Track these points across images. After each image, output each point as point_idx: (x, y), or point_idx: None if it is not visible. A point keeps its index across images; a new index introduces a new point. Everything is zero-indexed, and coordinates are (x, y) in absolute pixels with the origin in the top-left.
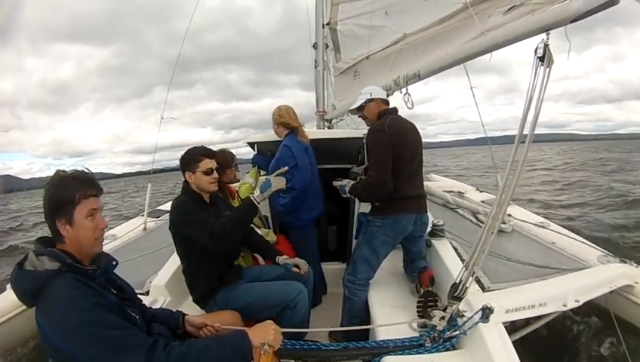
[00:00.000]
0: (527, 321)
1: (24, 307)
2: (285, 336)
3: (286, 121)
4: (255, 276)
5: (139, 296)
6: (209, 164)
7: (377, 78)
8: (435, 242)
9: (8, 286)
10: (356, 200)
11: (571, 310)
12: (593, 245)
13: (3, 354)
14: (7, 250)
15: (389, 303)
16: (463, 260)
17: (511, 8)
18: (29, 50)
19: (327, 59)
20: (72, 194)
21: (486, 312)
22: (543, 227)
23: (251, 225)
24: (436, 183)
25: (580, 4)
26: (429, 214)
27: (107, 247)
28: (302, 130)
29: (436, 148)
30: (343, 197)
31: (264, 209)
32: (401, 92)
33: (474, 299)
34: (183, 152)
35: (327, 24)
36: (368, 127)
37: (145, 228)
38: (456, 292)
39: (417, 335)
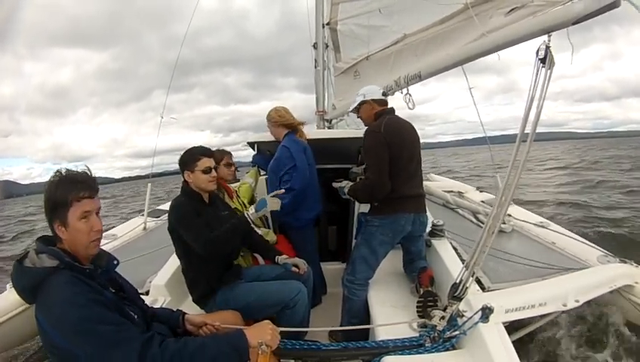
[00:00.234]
0: (527, 321)
1: (24, 307)
2: (285, 336)
3: (287, 121)
4: (254, 276)
5: (141, 297)
6: (207, 162)
7: (377, 78)
8: (435, 242)
9: (8, 286)
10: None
11: (571, 310)
12: (593, 245)
13: (3, 354)
14: None
15: (389, 303)
16: (463, 260)
17: (512, 10)
18: (28, 55)
19: (327, 59)
20: (65, 197)
21: (486, 312)
22: (543, 227)
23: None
24: (436, 183)
25: (581, 6)
26: (428, 214)
27: (107, 247)
28: (301, 129)
29: (434, 149)
30: (343, 198)
31: None
32: (401, 92)
33: (474, 299)
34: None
35: (327, 24)
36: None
37: (145, 228)
38: (457, 293)
39: (417, 335)
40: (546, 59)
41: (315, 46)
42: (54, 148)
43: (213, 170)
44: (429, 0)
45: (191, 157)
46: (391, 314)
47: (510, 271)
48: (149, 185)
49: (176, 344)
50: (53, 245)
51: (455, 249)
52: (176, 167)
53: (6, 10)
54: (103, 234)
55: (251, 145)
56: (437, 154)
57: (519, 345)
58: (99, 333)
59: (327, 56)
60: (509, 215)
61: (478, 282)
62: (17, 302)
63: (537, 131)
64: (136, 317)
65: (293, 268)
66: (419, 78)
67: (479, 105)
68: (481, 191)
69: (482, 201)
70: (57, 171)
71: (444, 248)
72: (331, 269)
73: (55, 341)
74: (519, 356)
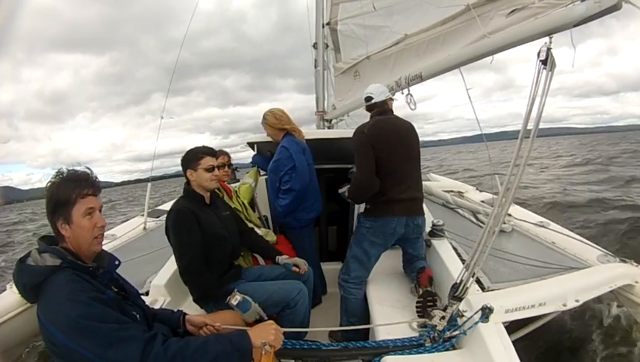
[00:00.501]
0: (527, 321)
1: (24, 306)
2: (285, 336)
3: (283, 126)
4: (255, 276)
5: (142, 298)
6: (210, 161)
7: (378, 79)
8: (435, 242)
9: (8, 285)
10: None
11: (571, 310)
12: (593, 244)
13: (3, 354)
14: None
15: (389, 303)
16: (463, 260)
17: (513, 11)
18: (26, 61)
19: (328, 60)
20: (69, 194)
21: (486, 312)
22: (543, 226)
23: (251, 225)
24: (436, 183)
25: (583, 8)
26: (428, 214)
27: (107, 247)
28: (299, 130)
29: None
30: (342, 198)
31: (264, 209)
32: (402, 92)
33: (474, 298)
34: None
35: (328, 24)
36: None
37: (145, 228)
38: (457, 293)
39: (417, 335)
40: (547, 61)
41: (315, 46)
42: (54, 153)
43: (215, 169)
44: (430, 1)
45: (194, 156)
46: (391, 314)
47: (510, 271)
48: (149, 185)
49: (179, 343)
50: (55, 244)
51: (455, 249)
52: (176, 169)
53: (3, 16)
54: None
55: (251, 145)
56: (440, 152)
57: (519, 345)
58: (100, 331)
59: (327, 57)
60: (509, 214)
61: (478, 282)
62: (17, 302)
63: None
64: (137, 316)
65: (294, 268)
66: (420, 78)
67: (477, 102)
68: (481, 191)
69: (482, 201)
70: (58, 172)
71: (444, 248)
72: (331, 269)
73: (55, 338)
74: (519, 356)
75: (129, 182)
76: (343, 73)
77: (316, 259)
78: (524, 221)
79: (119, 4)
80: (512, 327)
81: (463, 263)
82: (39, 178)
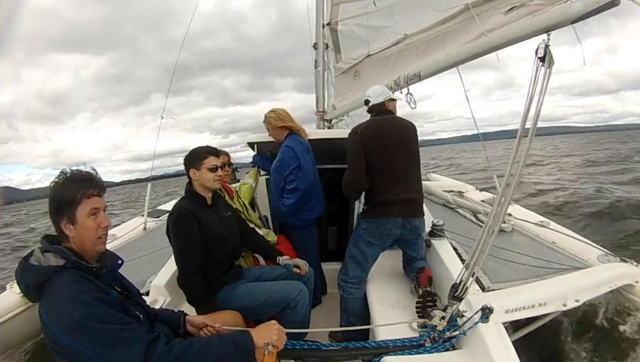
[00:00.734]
0: (527, 321)
1: (24, 306)
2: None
3: (286, 125)
4: (255, 276)
5: (143, 298)
6: (214, 161)
7: (378, 79)
8: (435, 242)
9: (8, 285)
10: (356, 201)
11: (571, 310)
12: (594, 244)
13: (3, 354)
14: None
15: (389, 303)
16: (463, 260)
17: (511, 9)
18: (25, 61)
19: (328, 60)
20: (74, 194)
21: (486, 312)
22: (543, 226)
23: (252, 226)
24: (436, 183)
25: (580, 5)
26: (428, 214)
27: (107, 247)
28: (302, 129)
29: (432, 146)
30: (342, 198)
31: (264, 209)
32: (401, 92)
33: (474, 299)
34: (182, 158)
35: (328, 24)
36: None
37: (145, 228)
38: (457, 293)
39: (417, 335)
40: (545, 58)
41: (315, 46)
42: (54, 154)
43: (219, 169)
44: (429, 2)
45: (197, 156)
46: (391, 314)
47: (510, 271)
48: (149, 185)
49: (182, 344)
50: (58, 244)
51: (455, 249)
52: (177, 169)
53: (3, 16)
54: None
55: (251, 145)
56: (444, 151)
57: (519, 345)
58: (103, 332)
59: (327, 57)
60: (509, 214)
61: (478, 282)
62: (17, 302)
63: (537, 126)
64: (141, 317)
65: (295, 270)
66: (418, 77)
67: (477, 101)
68: (481, 191)
69: (482, 201)
70: (62, 172)
71: (444, 248)
72: (331, 269)
73: (58, 337)
74: (519, 356)
75: (129, 182)
76: (343, 73)
77: (317, 259)
78: (525, 221)
79: (119, 4)
80: (512, 327)
81: (463, 263)
82: (39, 178)
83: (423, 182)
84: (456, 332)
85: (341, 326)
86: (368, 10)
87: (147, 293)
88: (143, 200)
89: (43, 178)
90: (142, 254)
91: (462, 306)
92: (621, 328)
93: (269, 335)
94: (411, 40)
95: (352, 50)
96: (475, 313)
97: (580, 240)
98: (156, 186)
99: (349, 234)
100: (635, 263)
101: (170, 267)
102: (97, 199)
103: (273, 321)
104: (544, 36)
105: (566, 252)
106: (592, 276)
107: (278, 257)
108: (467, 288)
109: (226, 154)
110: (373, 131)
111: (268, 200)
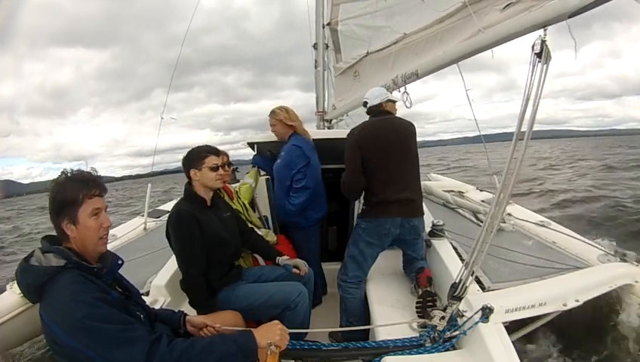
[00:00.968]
0: (527, 321)
1: (24, 307)
2: None
3: (295, 124)
4: (255, 277)
5: (142, 298)
6: (215, 160)
7: (377, 78)
8: (435, 242)
9: (8, 286)
10: (357, 201)
11: (571, 309)
12: (594, 244)
13: (3, 354)
14: None
15: (389, 303)
16: (462, 260)
17: (508, 5)
18: (27, 55)
19: (328, 60)
20: (76, 195)
21: (486, 312)
22: (544, 226)
23: (251, 226)
24: (436, 183)
25: None
26: (428, 214)
27: (107, 247)
28: (306, 131)
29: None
30: (342, 198)
31: (264, 209)
32: (399, 91)
33: (474, 298)
34: (183, 154)
35: (328, 24)
36: None
37: (145, 228)
38: (456, 292)
39: (417, 335)
40: (542, 54)
41: (315, 46)
42: (55, 148)
43: (220, 168)
44: (428, 1)
45: (198, 155)
46: (391, 314)
47: (510, 270)
48: (149, 185)
49: (184, 344)
50: (59, 244)
51: (455, 249)
52: (177, 165)
53: (5, 10)
54: None
55: (251, 145)
56: (448, 152)
57: (519, 345)
58: (105, 332)
59: (327, 57)
60: (509, 214)
61: (478, 282)
62: (17, 302)
63: (538, 129)
64: (142, 317)
65: (294, 270)
66: (416, 76)
67: (479, 103)
68: (481, 191)
69: (482, 201)
70: (63, 172)
71: (444, 248)
72: (331, 269)
73: (59, 337)
74: (519, 356)
75: (130, 177)
76: (343, 73)
77: (318, 259)
78: (525, 221)
79: None
80: (512, 327)
81: (463, 263)
82: (39, 172)
83: (423, 182)
84: (457, 332)
85: (341, 326)
86: (369, 10)
87: (147, 293)
88: (142, 199)
89: (43, 172)
90: (142, 254)
91: (462, 306)
92: (621, 328)
93: (271, 335)
94: (410, 39)
95: (352, 51)
96: (475, 313)
97: (580, 240)
98: (156, 183)
99: (349, 234)
100: (635, 263)
101: (171, 267)
102: (99, 199)
103: (276, 321)
104: (541, 32)
105: (566, 252)
106: (592, 276)
107: (277, 257)
108: (467, 287)
109: (226, 154)
110: (371, 132)
111: (268, 201)
